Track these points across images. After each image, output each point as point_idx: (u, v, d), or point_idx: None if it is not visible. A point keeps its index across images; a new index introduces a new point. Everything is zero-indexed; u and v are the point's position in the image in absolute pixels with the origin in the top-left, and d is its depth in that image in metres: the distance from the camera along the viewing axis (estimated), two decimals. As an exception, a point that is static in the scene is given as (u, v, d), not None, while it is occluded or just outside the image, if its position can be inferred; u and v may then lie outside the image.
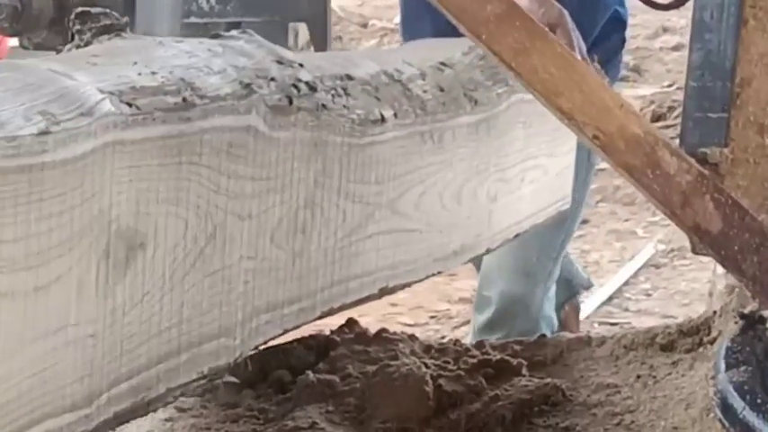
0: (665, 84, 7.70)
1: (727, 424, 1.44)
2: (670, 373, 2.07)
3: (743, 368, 1.46)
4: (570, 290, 3.41)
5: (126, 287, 1.30)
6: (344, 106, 1.72)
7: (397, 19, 4.27)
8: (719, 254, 1.53)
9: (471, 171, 2.10)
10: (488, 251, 2.28)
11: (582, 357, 2.20)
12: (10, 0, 2.03)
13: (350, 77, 1.78)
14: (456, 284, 4.72)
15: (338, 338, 2.15)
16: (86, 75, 1.31)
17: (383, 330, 2.18)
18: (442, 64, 2.09)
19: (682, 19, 7.86)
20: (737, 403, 1.42)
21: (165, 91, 1.37)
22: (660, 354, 2.15)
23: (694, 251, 1.58)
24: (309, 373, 2.01)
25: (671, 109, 7.09)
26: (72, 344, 1.24)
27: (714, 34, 1.58)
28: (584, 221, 5.73)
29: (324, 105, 1.67)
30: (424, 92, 1.96)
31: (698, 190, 1.50)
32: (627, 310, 5.03)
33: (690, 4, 1.74)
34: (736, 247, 1.52)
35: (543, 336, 2.34)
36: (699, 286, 5.09)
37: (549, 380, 2.04)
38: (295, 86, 1.61)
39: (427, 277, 2.04)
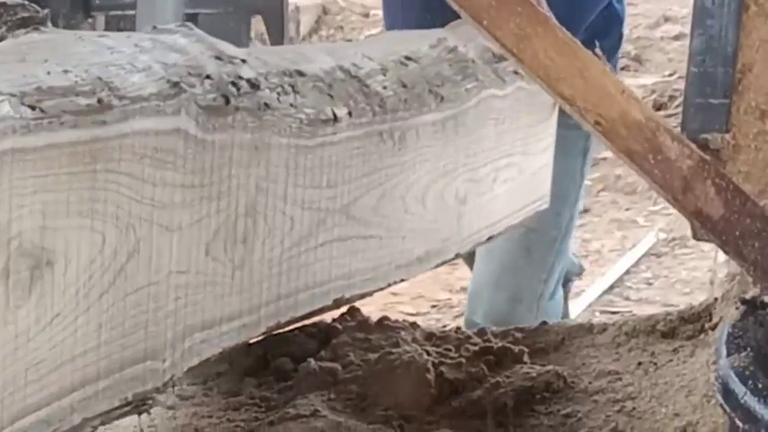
0: (667, 73, 7.69)
1: (728, 409, 1.44)
2: (671, 360, 2.07)
3: (744, 353, 1.46)
4: (562, 276, 3.41)
5: (31, 309, 1.18)
6: (291, 105, 1.60)
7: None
8: (720, 239, 1.53)
9: (437, 172, 1.98)
10: (458, 256, 2.16)
11: (583, 344, 2.21)
12: None
13: (300, 73, 1.66)
14: (458, 273, 4.72)
15: (340, 326, 2.15)
16: (-14, 74, 1.18)
17: (385, 318, 2.19)
18: (407, 58, 1.96)
19: (683, 8, 7.86)
20: (739, 388, 1.42)
21: (78, 92, 1.23)
22: (661, 340, 2.16)
23: (695, 237, 1.58)
24: (311, 360, 2.02)
25: (672, 98, 7.08)
26: (-34, 376, 1.12)
27: (715, 20, 1.58)
28: (586, 210, 5.74)
29: (267, 104, 1.55)
30: (384, 88, 1.83)
31: (699, 175, 1.50)
32: (628, 298, 5.04)
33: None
34: (737, 233, 1.52)
35: (544, 323, 2.34)
36: (700, 275, 5.10)
37: (550, 367, 2.05)
38: (234, 84, 1.49)
39: (389, 285, 1.93)
